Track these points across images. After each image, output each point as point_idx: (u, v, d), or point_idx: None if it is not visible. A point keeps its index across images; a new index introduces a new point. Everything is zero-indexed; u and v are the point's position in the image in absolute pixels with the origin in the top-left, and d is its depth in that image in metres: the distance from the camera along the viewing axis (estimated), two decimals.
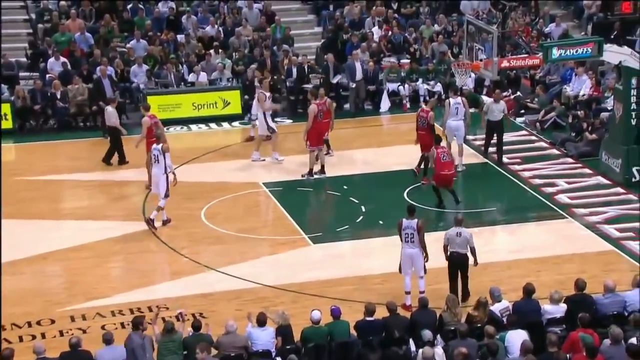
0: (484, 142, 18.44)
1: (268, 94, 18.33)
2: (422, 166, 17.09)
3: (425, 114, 17.11)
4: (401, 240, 12.73)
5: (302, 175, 17.50)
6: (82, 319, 12.75)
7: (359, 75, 20.89)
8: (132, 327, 10.80)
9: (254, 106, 19.16)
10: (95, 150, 19.00)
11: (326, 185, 17.42)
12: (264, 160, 18.25)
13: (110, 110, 18.04)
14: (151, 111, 21.37)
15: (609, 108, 18.86)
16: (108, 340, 10.53)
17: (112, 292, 13.44)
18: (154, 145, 15.67)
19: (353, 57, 21.14)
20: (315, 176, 17.50)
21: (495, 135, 18.07)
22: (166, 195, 15.33)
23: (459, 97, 17.85)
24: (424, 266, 12.71)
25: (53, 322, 12.63)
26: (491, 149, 18.33)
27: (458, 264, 12.73)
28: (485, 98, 20.66)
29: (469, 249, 12.67)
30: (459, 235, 12.70)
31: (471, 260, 12.75)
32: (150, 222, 15.34)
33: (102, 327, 12.34)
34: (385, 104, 21.41)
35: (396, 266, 13.38)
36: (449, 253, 12.71)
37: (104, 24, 22.90)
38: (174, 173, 15.51)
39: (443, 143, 16.36)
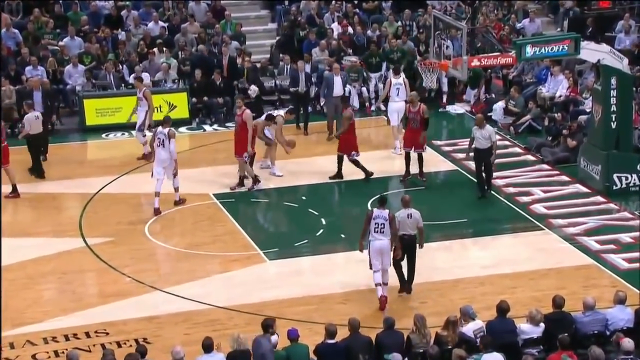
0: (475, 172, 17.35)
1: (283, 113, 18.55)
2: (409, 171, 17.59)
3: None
4: (365, 234, 13.21)
5: (249, 189, 17.42)
6: (10, 347, 12.54)
7: (337, 90, 19.99)
8: (262, 329, 10.86)
9: (141, 118, 18.83)
10: (23, 161, 18.74)
11: (279, 196, 17.46)
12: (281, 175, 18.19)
13: (29, 117, 17.81)
14: (88, 116, 21.18)
15: (588, 110, 19.16)
16: None
17: (44, 317, 13.26)
18: (159, 129, 16.54)
19: (333, 70, 20.17)
20: (256, 186, 17.40)
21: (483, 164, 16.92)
22: (174, 175, 16.53)
23: (401, 78, 18.95)
24: (391, 259, 13.25)
25: None
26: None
27: (408, 247, 13.36)
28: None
29: (417, 229, 13.33)
30: (410, 216, 13.35)
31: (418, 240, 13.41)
32: (179, 202, 16.67)
33: (33, 357, 12.18)
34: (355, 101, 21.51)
35: (360, 283, 13.60)
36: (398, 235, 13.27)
37: (33, 19, 22.67)
38: (175, 160, 16.45)
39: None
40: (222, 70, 21.56)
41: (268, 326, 10.88)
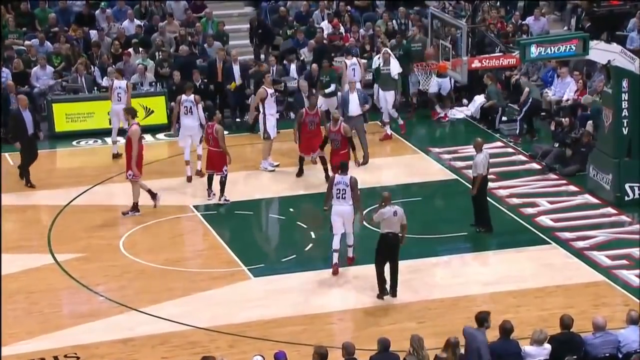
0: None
1: (270, 91, 18.67)
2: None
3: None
4: (329, 198, 14.44)
5: (124, 213, 16.82)
6: None
7: (353, 109, 19.06)
8: (477, 323, 11.10)
9: (115, 122, 18.96)
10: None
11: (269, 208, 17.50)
12: (273, 170, 18.73)
13: None
14: (57, 121, 21.09)
15: None
16: None
17: (9, 340, 13.20)
18: (184, 97, 17.99)
19: (350, 86, 19.25)
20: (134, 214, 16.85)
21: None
22: (201, 142, 17.87)
23: (354, 59, 20.41)
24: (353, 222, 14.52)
25: None
26: None
27: (392, 246, 13.81)
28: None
29: (400, 227, 13.73)
30: (395, 214, 13.71)
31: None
32: (200, 173, 17.96)
33: None
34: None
35: (351, 302, 13.83)
36: (382, 233, 13.71)
37: None
38: (203, 125, 17.72)
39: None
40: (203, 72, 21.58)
41: (483, 319, 11.13)
